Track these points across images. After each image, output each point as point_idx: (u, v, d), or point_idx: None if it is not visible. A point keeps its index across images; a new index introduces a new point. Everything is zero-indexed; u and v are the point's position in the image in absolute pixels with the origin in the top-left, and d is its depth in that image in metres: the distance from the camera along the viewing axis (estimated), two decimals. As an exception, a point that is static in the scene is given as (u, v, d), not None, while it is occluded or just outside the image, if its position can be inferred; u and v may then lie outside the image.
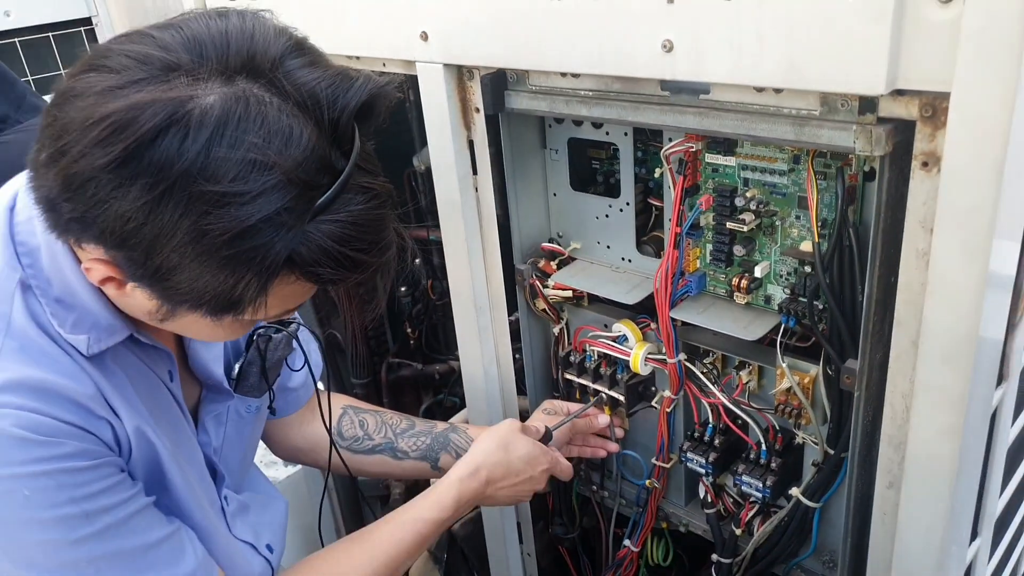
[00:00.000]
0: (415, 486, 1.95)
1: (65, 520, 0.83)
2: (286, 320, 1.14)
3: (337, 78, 0.76)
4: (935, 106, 0.80)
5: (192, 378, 1.08)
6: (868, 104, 0.85)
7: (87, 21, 3.44)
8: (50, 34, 3.43)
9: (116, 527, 0.87)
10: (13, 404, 0.81)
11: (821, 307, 1.07)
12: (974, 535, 1.08)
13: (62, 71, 3.61)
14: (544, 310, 1.41)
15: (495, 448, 1.22)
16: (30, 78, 3.48)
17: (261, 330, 1.13)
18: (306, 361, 1.25)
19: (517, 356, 1.49)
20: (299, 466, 2.24)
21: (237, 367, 1.12)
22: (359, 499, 2.21)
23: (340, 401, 1.39)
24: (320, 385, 1.33)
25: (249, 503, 1.16)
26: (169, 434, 0.97)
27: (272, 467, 2.33)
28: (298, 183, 0.72)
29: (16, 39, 3.46)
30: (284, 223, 0.72)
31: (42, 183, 0.75)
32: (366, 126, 0.79)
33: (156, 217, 0.71)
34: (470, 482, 1.18)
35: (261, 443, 1.29)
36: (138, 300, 0.82)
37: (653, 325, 1.28)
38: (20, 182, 0.86)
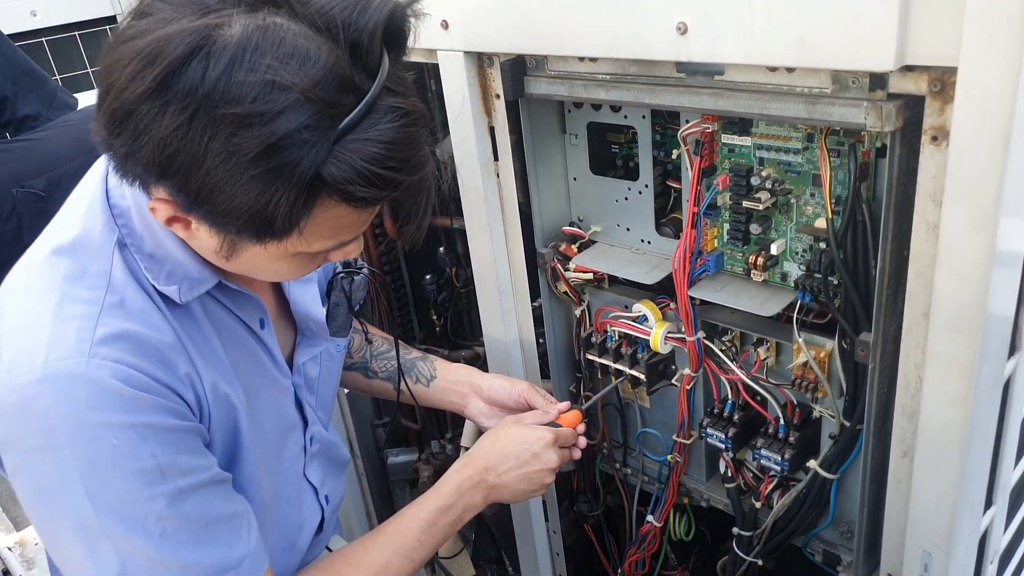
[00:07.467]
0: (442, 469, 1.99)
1: (143, 473, 0.88)
2: (357, 264, 1.24)
3: (354, 2, 0.81)
4: (943, 81, 0.82)
5: (289, 326, 1.15)
6: (878, 81, 0.87)
7: (112, 20, 3.51)
8: (76, 33, 3.50)
9: (188, 491, 0.91)
10: (113, 357, 0.87)
11: (836, 282, 1.09)
12: (989, 503, 1.10)
13: (89, 69, 3.67)
14: (566, 293, 1.44)
15: (488, 441, 1.25)
16: (58, 77, 3.54)
17: (342, 273, 1.22)
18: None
19: (541, 340, 1.53)
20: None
21: (324, 311, 1.20)
22: (388, 483, 2.26)
23: None
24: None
25: (326, 448, 1.22)
26: (251, 385, 1.03)
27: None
28: (317, 101, 0.76)
29: (43, 38, 3.53)
30: (307, 140, 0.76)
31: (98, 128, 0.81)
32: (395, 51, 0.84)
33: (189, 141, 0.76)
34: (466, 469, 1.21)
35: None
36: (203, 239, 0.88)
37: (672, 305, 1.31)
38: None
